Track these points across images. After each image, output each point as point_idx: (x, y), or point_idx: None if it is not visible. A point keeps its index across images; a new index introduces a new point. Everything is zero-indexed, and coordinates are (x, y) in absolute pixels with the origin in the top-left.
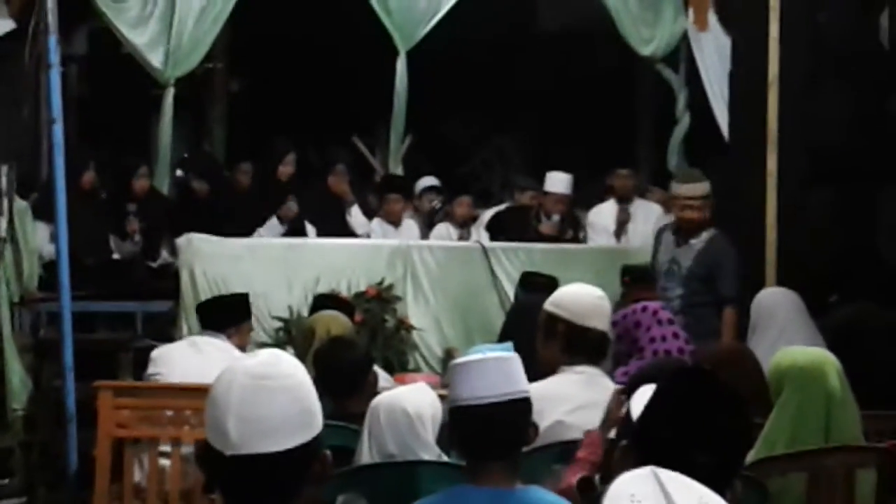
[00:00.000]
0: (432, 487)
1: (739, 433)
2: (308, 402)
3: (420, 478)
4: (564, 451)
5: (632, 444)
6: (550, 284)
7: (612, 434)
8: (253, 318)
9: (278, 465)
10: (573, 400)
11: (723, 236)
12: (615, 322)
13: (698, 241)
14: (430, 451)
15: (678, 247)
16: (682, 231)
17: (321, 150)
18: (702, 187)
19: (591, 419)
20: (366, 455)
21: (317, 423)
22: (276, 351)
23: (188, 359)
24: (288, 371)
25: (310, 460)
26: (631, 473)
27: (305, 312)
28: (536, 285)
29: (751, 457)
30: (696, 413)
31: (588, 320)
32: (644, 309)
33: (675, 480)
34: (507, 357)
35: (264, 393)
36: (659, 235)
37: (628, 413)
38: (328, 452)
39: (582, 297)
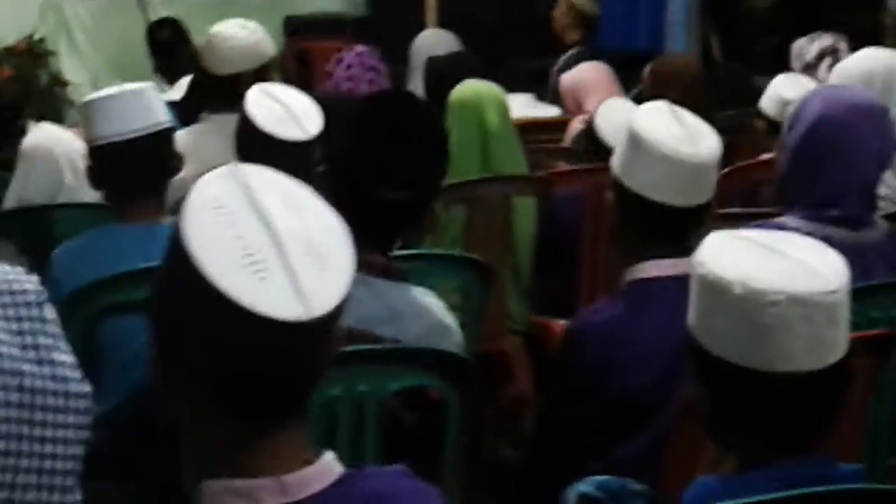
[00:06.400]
0: (76, 230)
1: (431, 164)
2: None
3: (63, 221)
4: None
5: (328, 171)
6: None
7: None
8: None
9: None
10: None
11: None
12: None
13: None
14: (85, 195)
15: None
16: None
17: None
18: None
19: None
20: (12, 201)
21: None
22: None
23: None
24: None
25: None
26: (212, 175)
27: None
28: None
29: None
30: (384, 147)
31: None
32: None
33: (259, 175)
34: (142, 89)
35: None
36: None
37: None
38: None
39: (218, 45)
